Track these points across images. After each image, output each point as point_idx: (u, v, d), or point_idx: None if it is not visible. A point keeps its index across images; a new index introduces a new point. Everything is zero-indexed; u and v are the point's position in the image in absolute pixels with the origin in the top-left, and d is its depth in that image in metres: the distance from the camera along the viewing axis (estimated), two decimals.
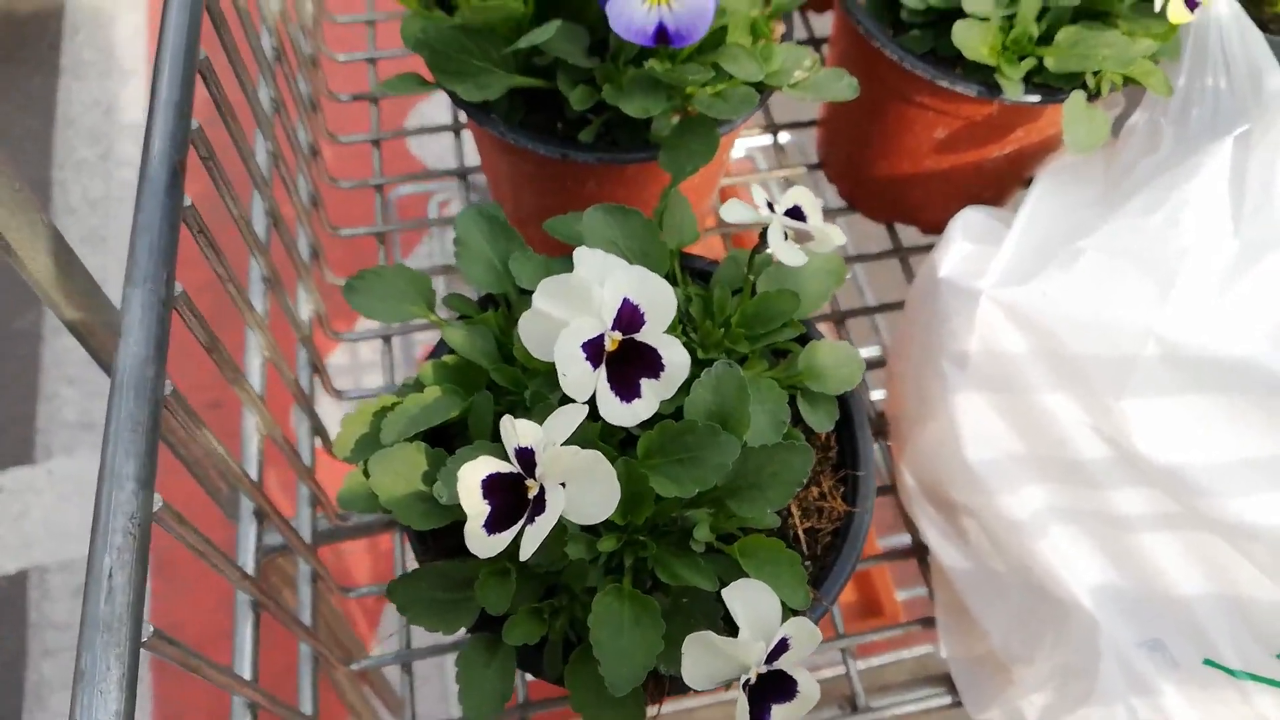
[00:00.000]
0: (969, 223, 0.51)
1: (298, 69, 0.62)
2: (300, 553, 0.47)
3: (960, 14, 0.52)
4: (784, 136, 0.72)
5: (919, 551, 0.56)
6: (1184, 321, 0.42)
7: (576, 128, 0.51)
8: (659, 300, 0.35)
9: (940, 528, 0.51)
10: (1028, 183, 0.66)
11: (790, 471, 0.36)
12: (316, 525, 0.54)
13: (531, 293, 0.43)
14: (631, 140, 0.50)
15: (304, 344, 0.56)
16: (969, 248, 0.48)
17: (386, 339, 0.62)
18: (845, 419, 0.43)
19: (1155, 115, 0.55)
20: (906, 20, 0.54)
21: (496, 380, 0.41)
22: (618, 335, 0.35)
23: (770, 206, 0.40)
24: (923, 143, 0.59)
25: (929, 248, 0.67)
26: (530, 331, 0.35)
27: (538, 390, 0.38)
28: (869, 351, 0.67)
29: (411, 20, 0.48)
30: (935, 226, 0.67)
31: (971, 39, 0.51)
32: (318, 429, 0.54)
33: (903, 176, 0.62)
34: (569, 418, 0.32)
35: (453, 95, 0.48)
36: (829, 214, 0.70)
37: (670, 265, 0.44)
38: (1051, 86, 0.53)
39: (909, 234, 0.68)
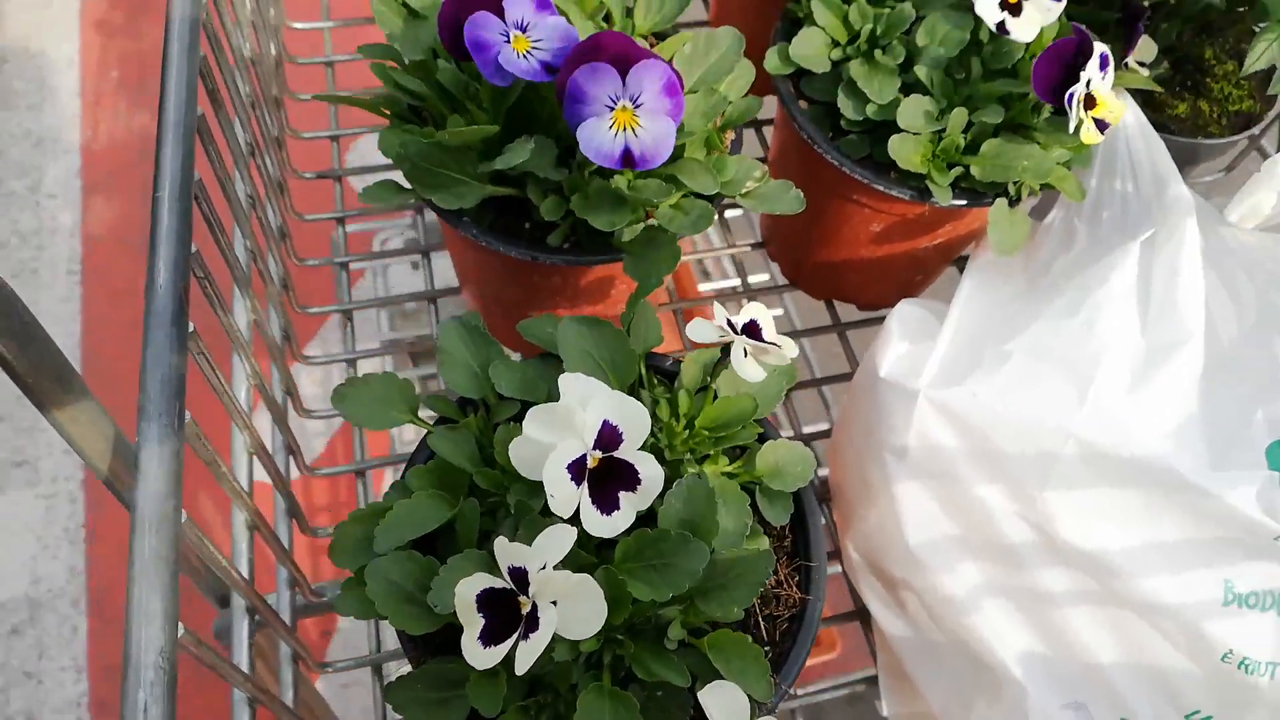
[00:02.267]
0: (905, 318, 0.56)
1: (264, 150, 0.65)
2: (284, 639, 0.50)
3: (894, 125, 0.56)
4: (731, 213, 0.76)
5: (862, 614, 0.60)
6: (1098, 423, 0.47)
7: (545, 228, 0.55)
8: (635, 421, 0.39)
9: (882, 598, 0.56)
10: (957, 261, 0.72)
11: (754, 574, 0.40)
12: (294, 601, 0.57)
13: (509, 399, 0.46)
14: (595, 242, 0.54)
15: (279, 425, 0.58)
16: (906, 346, 0.53)
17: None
18: (799, 512, 0.47)
19: (1070, 214, 0.60)
20: (845, 127, 0.59)
21: (479, 484, 0.44)
22: (598, 454, 0.39)
23: (729, 324, 0.44)
24: (859, 234, 0.64)
25: (866, 323, 0.72)
26: (521, 455, 0.38)
27: (521, 500, 0.41)
28: (817, 427, 0.71)
29: (390, 134, 0.51)
30: (872, 304, 0.72)
31: (905, 151, 0.55)
32: (293, 511, 0.57)
33: (840, 261, 0.67)
34: (560, 540, 0.36)
35: (428, 203, 0.51)
36: (772, 289, 0.74)
37: (638, 370, 0.47)
38: (977, 190, 0.58)
39: (848, 309, 0.73)
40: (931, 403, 0.49)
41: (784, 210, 0.52)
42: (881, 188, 0.58)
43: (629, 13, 0.57)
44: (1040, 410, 0.48)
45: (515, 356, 0.64)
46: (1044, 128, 0.56)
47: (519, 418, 0.46)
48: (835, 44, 0.59)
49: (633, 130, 0.47)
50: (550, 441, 0.38)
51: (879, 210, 0.61)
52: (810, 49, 0.58)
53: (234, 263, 0.51)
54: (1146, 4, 0.59)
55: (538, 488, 0.38)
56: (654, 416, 0.47)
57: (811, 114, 0.61)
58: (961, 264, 0.74)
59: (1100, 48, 0.52)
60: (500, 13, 0.47)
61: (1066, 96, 0.51)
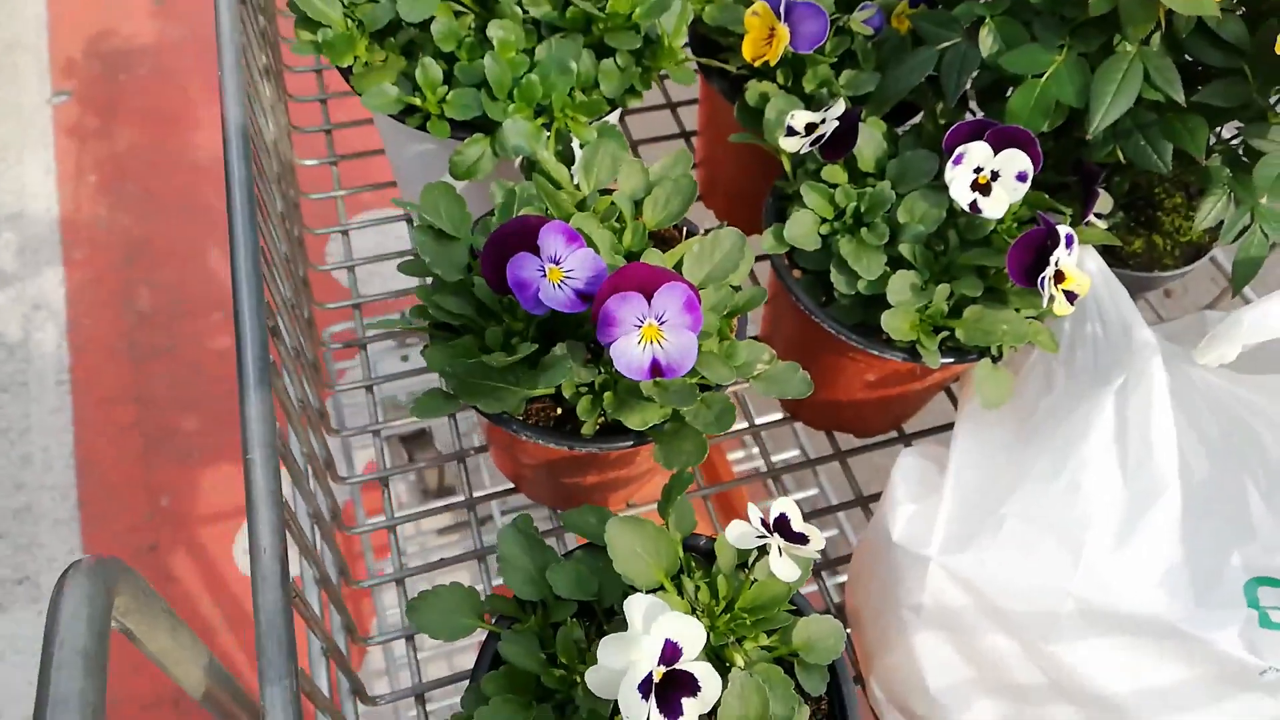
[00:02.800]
0: (908, 472, 0.61)
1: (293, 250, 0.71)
2: None
3: (884, 296, 0.62)
4: None
5: None
6: (1091, 583, 0.53)
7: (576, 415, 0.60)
8: (692, 635, 0.44)
9: None
10: (946, 389, 0.78)
11: None
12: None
13: (565, 600, 0.51)
14: (625, 428, 0.59)
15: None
16: (913, 508, 0.58)
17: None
18: (834, 680, 0.53)
19: (1048, 357, 0.66)
20: (837, 297, 0.65)
21: (546, 683, 0.49)
22: (662, 669, 0.44)
23: (764, 524, 0.49)
24: (854, 382, 0.70)
25: (865, 449, 0.78)
26: (596, 681, 0.43)
27: (593, 710, 0.46)
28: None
29: (435, 352, 0.56)
30: (868, 434, 0.78)
31: (896, 322, 0.61)
32: (348, 625, 0.61)
33: (837, 402, 0.73)
34: None
35: (474, 407, 0.56)
36: (776, 423, 0.80)
37: (679, 558, 0.52)
38: (963, 348, 0.64)
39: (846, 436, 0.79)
40: (943, 568, 0.55)
41: (794, 394, 0.57)
42: (875, 352, 0.63)
43: (638, 210, 0.62)
44: (1039, 574, 0.54)
45: (543, 512, 0.69)
46: (1018, 291, 0.63)
47: (579, 614, 0.52)
48: (823, 220, 0.65)
49: (658, 343, 0.52)
50: (621, 666, 0.43)
51: (872, 365, 0.67)
52: (802, 230, 0.64)
53: (286, 356, 0.58)
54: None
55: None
56: (695, 601, 0.53)
57: (804, 283, 0.67)
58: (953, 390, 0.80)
59: (1065, 231, 0.58)
60: (536, 250, 0.53)
61: (1039, 280, 0.57)
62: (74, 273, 1.98)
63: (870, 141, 0.66)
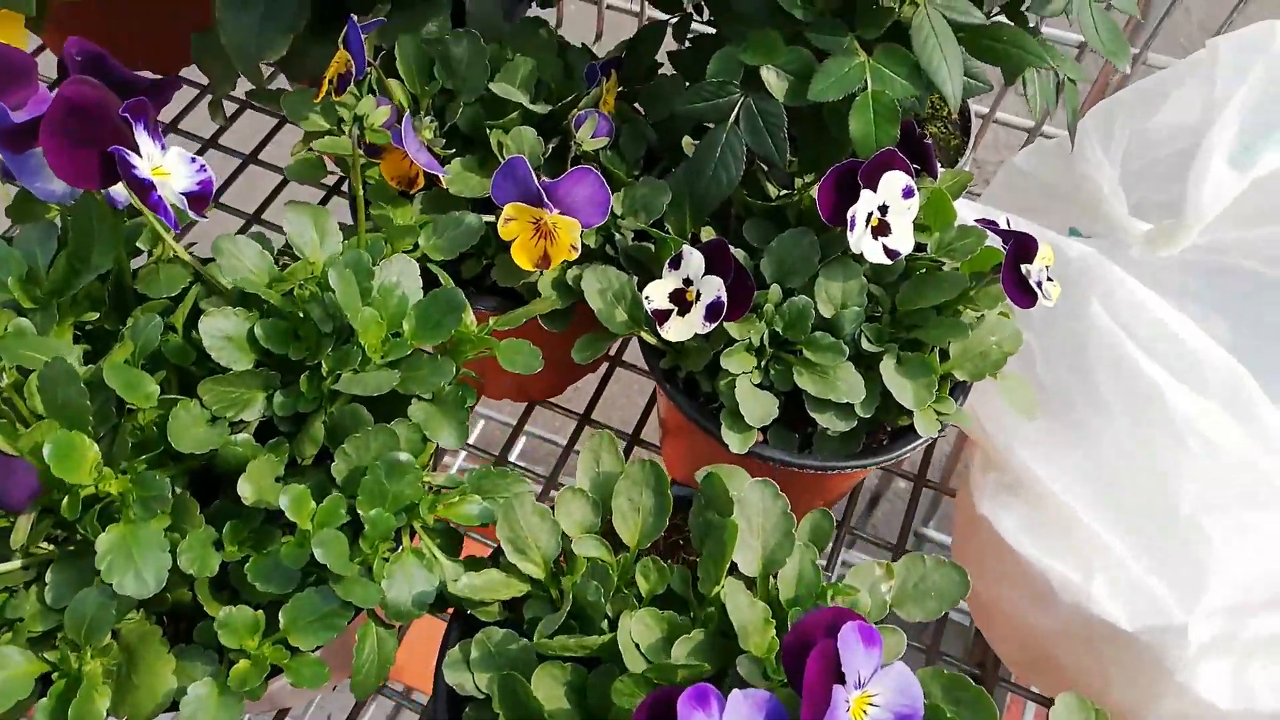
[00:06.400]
0: (1039, 537, 0.54)
1: None
2: None
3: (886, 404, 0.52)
4: None
5: None
6: None
7: None
8: None
9: None
10: None
11: None
12: None
13: None
14: None
15: None
16: (1108, 584, 0.50)
17: None
18: None
19: None
20: (829, 434, 0.53)
21: None
22: None
23: None
24: (856, 477, 0.59)
25: None
26: None
27: None
28: None
29: None
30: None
31: (924, 421, 0.52)
32: None
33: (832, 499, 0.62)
34: None
35: None
36: None
37: None
38: (965, 384, 0.55)
39: None
40: (1201, 616, 0.48)
41: (955, 595, 0.46)
42: (905, 452, 0.53)
43: (615, 544, 0.45)
44: (1260, 539, 0.49)
45: None
46: (969, 300, 0.54)
47: None
48: (749, 372, 0.52)
49: (871, 705, 0.39)
50: None
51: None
52: (759, 406, 0.51)
53: None
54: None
55: None
56: None
57: (776, 439, 0.54)
58: None
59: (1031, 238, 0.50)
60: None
61: (1036, 286, 0.50)
62: None
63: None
